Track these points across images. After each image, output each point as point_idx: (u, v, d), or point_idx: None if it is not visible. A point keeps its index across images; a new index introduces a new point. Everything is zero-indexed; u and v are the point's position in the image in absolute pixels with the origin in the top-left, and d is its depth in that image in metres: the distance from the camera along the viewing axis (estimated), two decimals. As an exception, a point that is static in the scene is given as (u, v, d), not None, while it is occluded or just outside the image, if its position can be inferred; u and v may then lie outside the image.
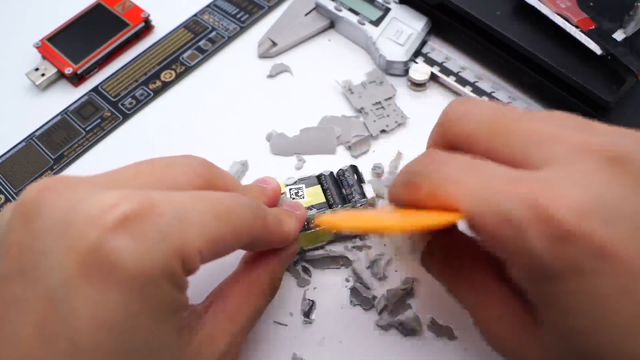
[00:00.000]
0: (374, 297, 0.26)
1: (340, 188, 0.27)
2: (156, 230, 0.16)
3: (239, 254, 0.24)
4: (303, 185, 0.27)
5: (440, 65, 0.33)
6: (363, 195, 0.26)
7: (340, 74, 0.34)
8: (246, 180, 0.30)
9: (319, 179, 0.27)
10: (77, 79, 0.35)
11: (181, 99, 0.35)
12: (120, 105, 0.34)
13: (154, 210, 0.16)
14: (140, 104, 0.34)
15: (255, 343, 0.25)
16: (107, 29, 0.36)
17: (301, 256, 0.27)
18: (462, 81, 0.32)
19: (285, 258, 0.24)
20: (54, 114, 0.34)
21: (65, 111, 0.35)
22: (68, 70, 0.35)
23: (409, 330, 0.25)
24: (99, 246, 0.15)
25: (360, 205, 0.26)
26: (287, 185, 0.27)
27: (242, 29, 0.37)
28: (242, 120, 0.33)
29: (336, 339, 0.25)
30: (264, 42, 0.36)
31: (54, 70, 0.35)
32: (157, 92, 0.35)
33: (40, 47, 0.36)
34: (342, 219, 0.19)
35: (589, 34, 0.28)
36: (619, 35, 0.29)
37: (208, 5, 0.39)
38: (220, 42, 0.37)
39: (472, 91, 0.32)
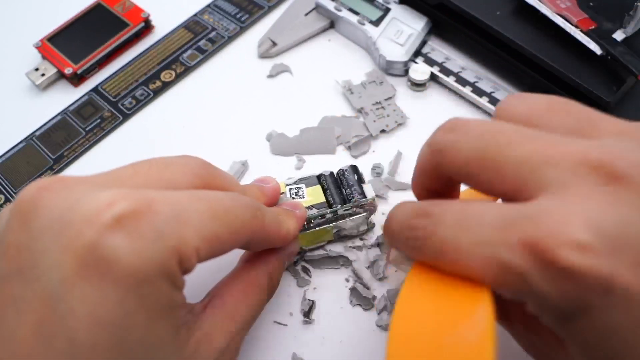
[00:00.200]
0: (374, 297, 0.26)
1: (341, 188, 0.27)
2: (153, 229, 0.16)
3: (238, 253, 0.24)
4: (303, 185, 0.27)
5: (440, 65, 0.33)
6: (363, 195, 0.26)
7: (340, 74, 0.34)
8: (246, 181, 0.30)
9: (319, 178, 0.27)
10: (77, 79, 0.35)
11: (181, 99, 0.35)
12: (120, 105, 0.34)
13: (150, 209, 0.16)
14: (140, 104, 0.34)
15: (255, 343, 0.25)
16: (107, 29, 0.36)
17: (301, 256, 0.27)
18: (462, 81, 0.32)
19: (284, 257, 0.24)
20: (54, 114, 0.34)
21: (65, 111, 0.35)
22: (68, 70, 0.35)
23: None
24: (96, 245, 0.16)
25: (361, 205, 0.26)
26: (287, 185, 0.27)
27: (242, 29, 0.37)
28: (242, 120, 0.33)
29: (336, 339, 0.25)
30: (264, 42, 0.36)
31: (54, 70, 0.35)
32: (157, 92, 0.35)
33: (40, 47, 0.36)
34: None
35: (589, 34, 0.28)
36: (619, 35, 0.29)
37: (208, 5, 0.39)
38: (220, 42, 0.37)
39: (472, 91, 0.32)
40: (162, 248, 0.16)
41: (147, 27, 0.38)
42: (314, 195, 0.26)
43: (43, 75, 0.35)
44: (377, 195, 0.28)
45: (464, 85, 0.32)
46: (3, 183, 0.32)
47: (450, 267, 0.17)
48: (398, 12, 0.34)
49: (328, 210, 0.26)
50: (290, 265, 0.27)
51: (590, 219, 0.14)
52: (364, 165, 0.30)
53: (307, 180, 0.27)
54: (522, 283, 0.15)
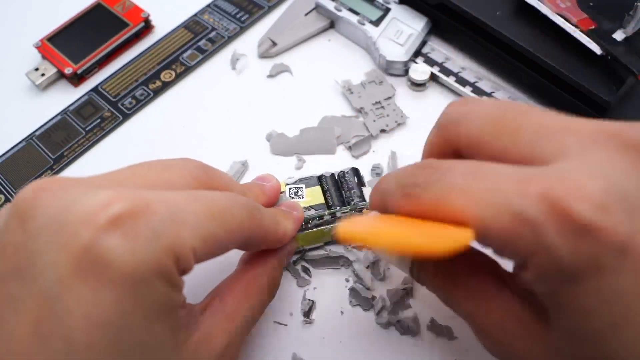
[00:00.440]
0: (374, 298, 0.26)
1: (340, 190, 0.27)
2: (149, 229, 0.16)
3: (239, 254, 0.24)
4: (303, 185, 0.27)
5: (440, 65, 0.33)
6: (362, 198, 0.26)
7: (340, 74, 0.34)
8: (246, 181, 0.30)
9: (320, 179, 0.27)
10: (77, 79, 0.35)
11: (181, 99, 0.35)
12: (120, 105, 0.34)
13: (147, 209, 0.16)
14: (140, 104, 0.34)
15: (255, 343, 0.25)
16: (107, 29, 0.36)
17: (301, 255, 0.27)
18: (462, 81, 0.32)
19: (282, 257, 0.24)
20: (54, 114, 0.34)
21: (65, 111, 0.35)
22: (68, 70, 0.35)
23: (406, 329, 0.25)
24: (92, 245, 0.16)
25: (360, 209, 0.26)
26: (287, 184, 0.27)
27: (242, 29, 0.37)
28: (242, 120, 0.33)
29: (336, 338, 0.25)
30: (264, 42, 0.36)
31: (54, 70, 0.35)
32: (157, 92, 0.35)
33: (40, 47, 0.36)
34: (363, 232, 0.18)
35: (589, 34, 0.28)
36: (619, 35, 0.29)
37: (208, 5, 0.39)
38: (220, 42, 0.37)
39: (472, 91, 0.32)
40: (158, 248, 0.16)
41: (147, 27, 0.38)
42: (313, 196, 0.26)
43: (43, 75, 0.35)
44: None
45: (464, 85, 0.32)
46: (3, 183, 0.32)
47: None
48: (398, 12, 0.34)
49: (326, 212, 0.26)
50: (290, 265, 0.27)
51: (610, 182, 0.15)
52: (364, 165, 0.30)
53: (307, 181, 0.27)
54: (535, 236, 0.15)
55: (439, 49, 0.34)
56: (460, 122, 0.18)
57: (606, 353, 0.15)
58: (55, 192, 0.17)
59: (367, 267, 0.26)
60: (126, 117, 0.34)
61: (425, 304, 0.25)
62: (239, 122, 0.33)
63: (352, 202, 0.26)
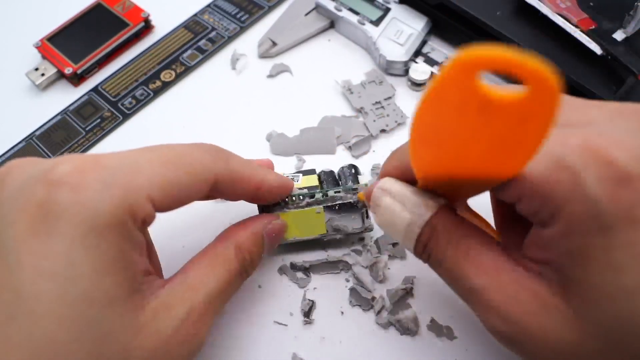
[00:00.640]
0: (373, 298, 0.26)
1: (336, 181, 0.27)
2: (98, 181, 0.17)
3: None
4: (300, 175, 0.27)
5: (440, 65, 0.33)
6: (357, 182, 0.26)
7: (340, 74, 0.34)
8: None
9: (318, 174, 0.27)
10: (77, 79, 0.35)
11: (181, 99, 0.35)
12: (120, 105, 0.34)
13: (97, 164, 0.17)
14: (140, 104, 0.34)
15: (255, 343, 0.25)
16: (107, 29, 0.36)
17: (300, 265, 0.27)
18: (462, 81, 0.32)
19: (258, 228, 0.23)
20: (54, 114, 0.34)
21: (65, 111, 0.35)
22: (68, 70, 0.35)
23: (405, 329, 0.25)
24: (44, 201, 0.16)
25: (354, 189, 0.25)
26: (285, 174, 0.27)
27: (242, 29, 0.37)
28: (242, 120, 0.33)
29: (336, 339, 0.25)
30: (264, 42, 0.36)
31: (54, 70, 0.35)
32: (157, 92, 0.35)
33: (40, 47, 0.36)
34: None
35: (589, 34, 0.28)
36: (619, 35, 0.29)
37: (208, 5, 0.39)
38: (220, 42, 0.37)
39: (472, 91, 0.32)
40: (108, 197, 0.17)
41: (147, 27, 0.38)
42: (308, 181, 0.26)
43: (43, 75, 0.35)
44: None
45: (464, 85, 0.32)
46: (3, 183, 0.32)
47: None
48: (398, 12, 0.34)
49: (318, 190, 0.25)
50: (287, 270, 0.27)
51: None
52: (364, 165, 0.30)
53: (305, 172, 0.27)
54: (574, 182, 0.15)
55: (439, 49, 0.34)
56: None
57: (635, 313, 0.15)
58: (25, 166, 0.18)
59: (366, 267, 0.26)
60: (126, 117, 0.34)
61: (425, 304, 0.25)
62: (239, 122, 0.33)
63: (346, 185, 0.26)
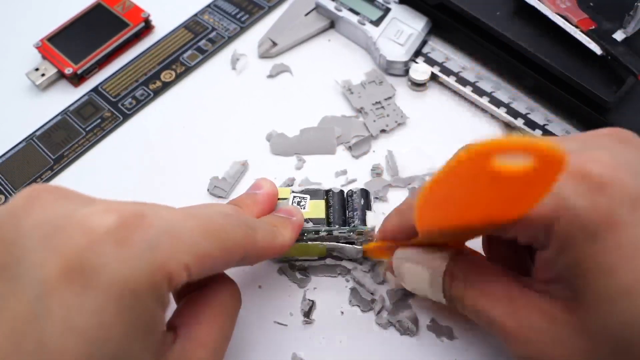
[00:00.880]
0: (373, 300, 0.26)
1: (345, 208, 0.26)
2: (144, 241, 0.16)
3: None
4: (308, 197, 0.26)
5: (440, 65, 0.33)
6: (363, 222, 0.25)
7: (340, 74, 0.34)
8: (246, 181, 0.30)
9: (327, 194, 0.26)
10: (77, 79, 0.35)
11: (181, 99, 0.35)
12: (120, 106, 0.34)
13: (144, 222, 0.16)
14: (140, 104, 0.34)
15: (255, 343, 0.25)
16: (107, 29, 0.36)
17: (300, 265, 0.27)
18: (462, 81, 0.32)
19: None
20: (54, 114, 0.34)
21: (65, 111, 0.35)
22: (68, 70, 0.35)
23: (405, 329, 0.25)
24: (85, 250, 0.15)
25: (360, 232, 0.25)
26: (292, 192, 0.26)
27: (242, 29, 0.37)
28: (242, 120, 0.33)
29: (336, 339, 0.25)
30: (264, 42, 0.36)
31: (54, 70, 0.35)
32: (157, 92, 0.35)
33: (40, 47, 0.36)
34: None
35: (589, 34, 0.28)
36: (619, 35, 0.29)
37: (208, 5, 0.39)
38: (220, 42, 0.37)
39: (473, 91, 0.32)
40: (151, 261, 0.16)
41: (147, 27, 0.38)
42: (315, 209, 0.26)
43: (43, 75, 0.35)
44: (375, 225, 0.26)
45: (464, 85, 0.32)
46: (3, 183, 0.32)
47: None
48: (398, 12, 0.34)
49: (323, 228, 0.25)
50: (287, 270, 0.27)
51: (615, 153, 0.17)
52: (364, 165, 0.30)
53: (313, 192, 0.26)
54: (557, 201, 0.16)
55: (439, 49, 0.34)
56: None
57: (633, 311, 0.15)
58: (55, 197, 0.17)
59: (365, 271, 0.26)
60: (126, 117, 0.34)
61: (426, 304, 0.25)
62: (239, 122, 0.33)
63: (352, 224, 0.25)
